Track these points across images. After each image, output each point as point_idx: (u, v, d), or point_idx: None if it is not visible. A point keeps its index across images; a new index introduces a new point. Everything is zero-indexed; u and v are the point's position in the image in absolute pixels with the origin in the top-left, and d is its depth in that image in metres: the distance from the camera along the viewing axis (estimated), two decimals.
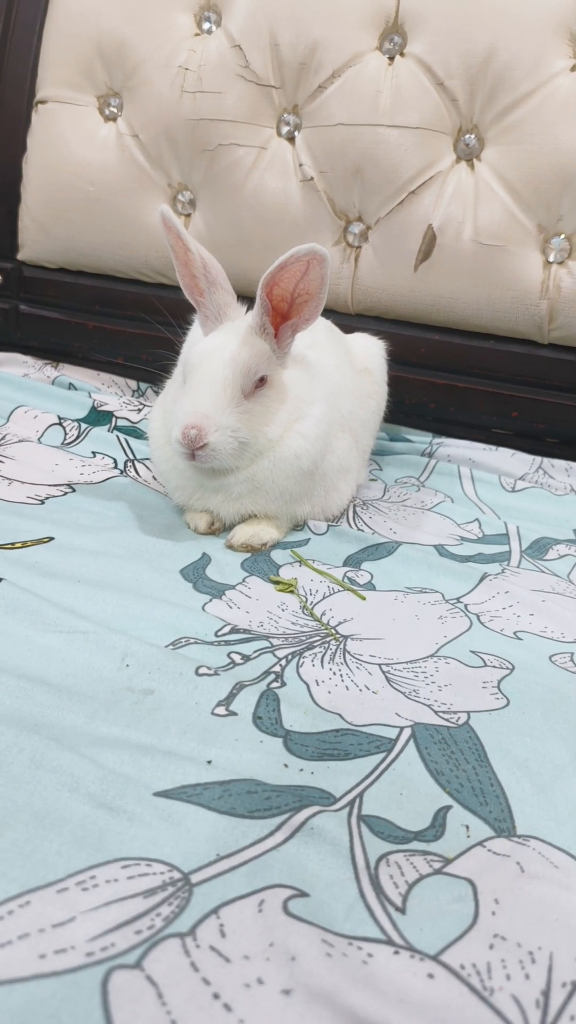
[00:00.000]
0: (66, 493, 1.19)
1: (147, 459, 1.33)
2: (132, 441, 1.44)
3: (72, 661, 0.77)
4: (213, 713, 0.72)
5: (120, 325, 1.80)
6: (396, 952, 0.51)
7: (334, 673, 0.83)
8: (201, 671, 0.78)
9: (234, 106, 1.60)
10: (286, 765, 0.67)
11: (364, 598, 1.00)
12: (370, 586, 1.04)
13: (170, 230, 1.07)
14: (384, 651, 0.88)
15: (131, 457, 1.38)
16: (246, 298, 1.12)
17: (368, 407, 1.36)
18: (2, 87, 1.78)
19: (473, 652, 0.90)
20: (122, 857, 0.55)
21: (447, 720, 0.76)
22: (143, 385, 1.81)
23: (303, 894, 0.54)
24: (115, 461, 1.35)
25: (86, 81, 1.71)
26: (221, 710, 0.73)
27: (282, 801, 0.62)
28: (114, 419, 1.53)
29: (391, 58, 1.54)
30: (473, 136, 1.52)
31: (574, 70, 1.46)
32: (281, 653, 0.85)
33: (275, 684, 0.79)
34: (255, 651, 0.84)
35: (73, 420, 1.49)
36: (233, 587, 0.99)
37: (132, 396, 1.78)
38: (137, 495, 1.23)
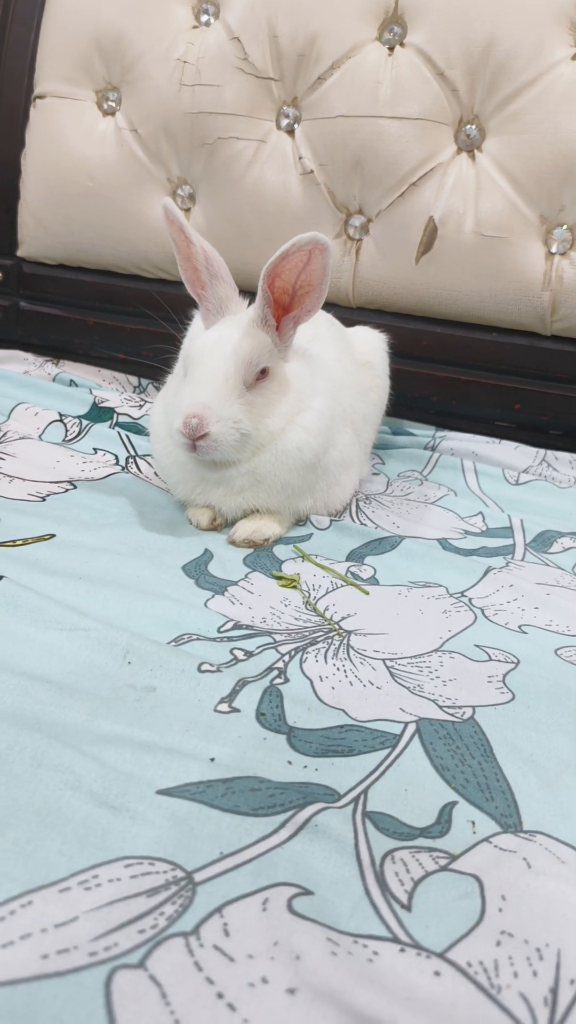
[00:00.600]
0: (67, 490, 1.19)
1: (148, 455, 1.32)
2: (133, 437, 1.44)
3: (73, 658, 0.76)
4: (216, 710, 0.72)
5: (121, 321, 1.80)
6: (402, 950, 0.51)
7: (338, 668, 0.82)
8: (204, 668, 0.78)
9: (233, 99, 1.60)
10: (290, 762, 0.67)
11: (367, 593, 0.99)
12: (373, 581, 1.03)
13: (172, 223, 1.07)
14: (388, 646, 0.88)
15: (132, 453, 1.38)
16: (246, 292, 1.11)
17: (370, 401, 1.35)
18: (0, 82, 1.77)
19: (478, 646, 0.89)
20: (125, 856, 0.54)
21: (452, 715, 0.76)
22: (144, 381, 1.80)
23: (308, 892, 0.54)
24: (116, 457, 1.35)
25: (84, 76, 1.70)
26: (224, 707, 0.72)
27: (286, 798, 0.62)
28: (115, 415, 1.53)
29: (391, 48, 1.53)
30: (474, 126, 1.51)
31: (575, 59, 1.44)
32: (284, 649, 0.84)
33: (278, 680, 0.78)
34: (258, 647, 0.84)
35: (74, 417, 1.49)
36: (235, 583, 0.98)
37: (133, 392, 1.78)
38: (138, 491, 1.23)
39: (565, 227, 1.50)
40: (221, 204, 1.66)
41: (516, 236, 1.51)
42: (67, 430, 1.43)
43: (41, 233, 1.79)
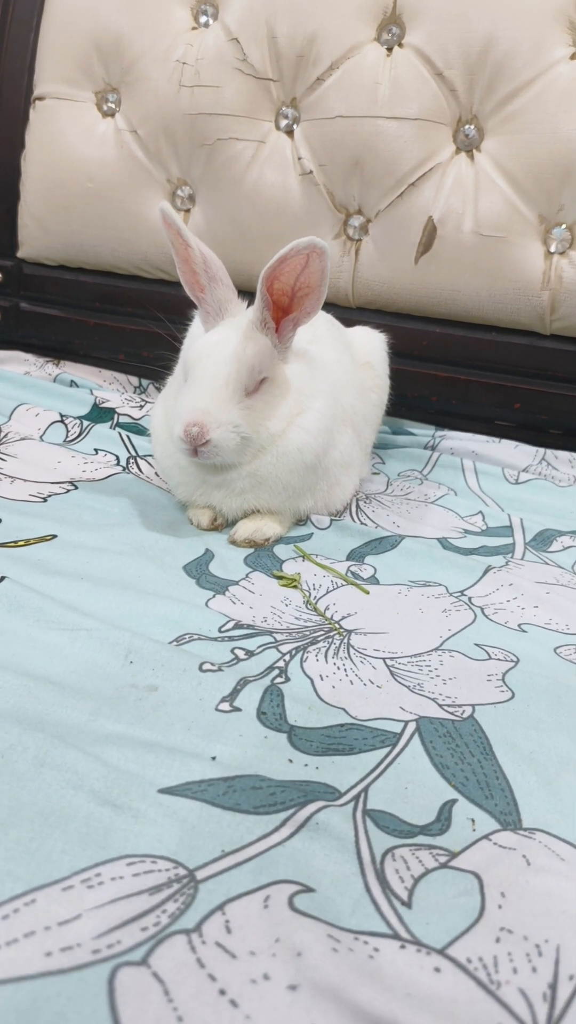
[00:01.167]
0: (68, 490, 1.19)
1: (149, 455, 1.32)
2: (134, 438, 1.44)
3: (75, 658, 0.77)
4: (217, 709, 0.72)
5: (121, 322, 1.80)
6: (403, 946, 0.51)
7: (338, 668, 0.82)
8: (205, 667, 0.78)
9: (232, 100, 1.60)
10: (291, 760, 0.67)
11: (368, 592, 1.00)
12: (373, 580, 1.04)
13: (170, 226, 1.07)
14: (388, 645, 0.88)
15: (133, 454, 1.38)
16: (246, 292, 1.12)
17: (370, 400, 1.36)
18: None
19: (477, 645, 0.90)
20: (127, 854, 0.55)
21: (452, 713, 0.76)
22: (145, 381, 1.81)
23: (309, 889, 0.54)
24: (117, 458, 1.35)
25: (84, 77, 1.70)
26: (225, 706, 0.73)
27: (287, 796, 0.62)
28: (116, 416, 1.53)
29: (389, 49, 1.53)
30: (473, 126, 1.51)
31: (574, 58, 1.45)
32: (285, 648, 0.85)
33: (279, 679, 0.78)
34: (259, 646, 0.84)
35: (75, 417, 1.49)
36: (236, 583, 0.99)
37: (134, 393, 1.78)
38: (140, 492, 1.23)
39: (564, 226, 1.50)
40: (221, 205, 1.66)
41: (515, 236, 1.51)
42: (68, 431, 1.43)
43: (41, 234, 1.79)
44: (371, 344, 1.43)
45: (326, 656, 0.84)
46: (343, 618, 0.93)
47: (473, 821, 0.63)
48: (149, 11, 1.64)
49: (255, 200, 1.62)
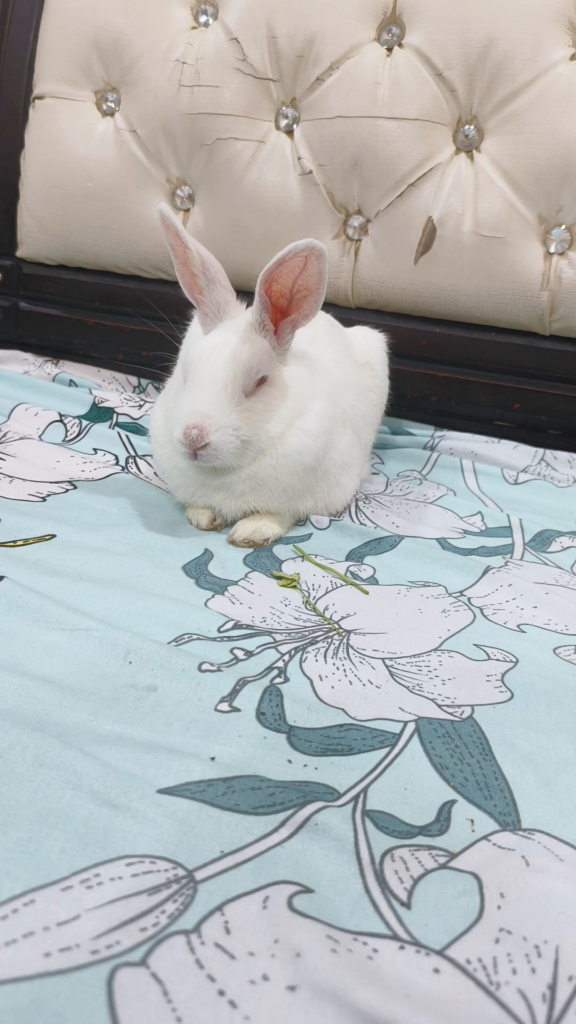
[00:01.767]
0: (67, 490, 1.19)
1: (148, 455, 1.32)
2: (133, 437, 1.44)
3: (74, 658, 0.77)
4: (216, 709, 0.72)
5: (120, 321, 1.80)
6: (402, 947, 0.51)
7: (337, 668, 0.82)
8: (204, 667, 0.78)
9: (232, 100, 1.60)
10: (290, 761, 0.67)
11: (367, 592, 1.00)
12: (373, 580, 1.04)
13: (169, 229, 1.07)
14: (387, 645, 0.88)
15: (132, 454, 1.38)
16: (246, 293, 1.12)
17: (369, 401, 1.35)
18: None
19: (477, 645, 0.90)
20: (126, 855, 0.55)
21: (451, 714, 0.76)
22: (144, 381, 1.80)
23: (308, 890, 0.54)
24: (116, 458, 1.35)
25: (83, 76, 1.70)
26: (224, 706, 0.73)
27: (286, 797, 0.62)
28: (115, 416, 1.53)
29: (389, 49, 1.53)
30: (472, 127, 1.52)
31: (573, 59, 1.45)
32: (284, 648, 0.85)
33: (278, 680, 0.78)
34: (258, 647, 0.84)
35: (74, 417, 1.49)
36: (235, 583, 0.99)
37: (133, 392, 1.78)
38: (139, 492, 1.23)
39: (563, 227, 1.50)
40: (220, 205, 1.66)
41: (515, 236, 1.51)
42: (67, 430, 1.43)
43: (40, 234, 1.79)
44: (370, 344, 1.43)
45: (325, 656, 0.84)
46: (342, 618, 0.93)
47: (472, 822, 0.63)
48: (149, 11, 1.64)
49: (255, 200, 1.62)
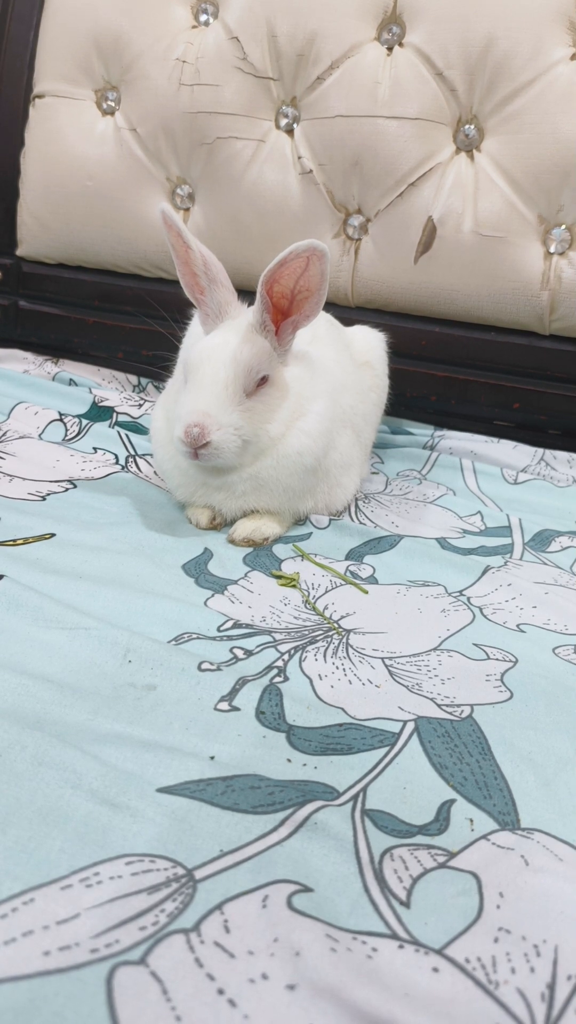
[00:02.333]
0: (67, 489, 1.19)
1: (148, 454, 1.32)
2: (133, 437, 1.44)
3: (74, 657, 0.77)
4: (216, 708, 0.72)
5: (120, 320, 1.80)
6: (401, 946, 0.51)
7: (337, 667, 0.82)
8: (203, 666, 0.78)
9: (232, 99, 1.60)
10: (289, 760, 0.67)
11: (366, 592, 1.00)
12: (372, 580, 1.04)
13: (171, 228, 1.07)
14: (387, 645, 0.88)
15: (132, 453, 1.38)
16: (246, 292, 1.12)
17: (369, 400, 1.35)
18: None
19: (476, 645, 0.90)
20: (126, 853, 0.55)
21: (450, 713, 0.76)
22: (144, 380, 1.80)
23: (307, 889, 0.54)
24: (116, 457, 1.35)
25: (83, 75, 1.70)
26: (224, 705, 0.73)
27: (285, 796, 0.62)
28: (115, 415, 1.53)
29: (390, 48, 1.53)
30: (472, 126, 1.52)
31: (573, 59, 1.45)
32: (284, 648, 0.85)
33: (278, 679, 0.78)
34: (257, 646, 0.84)
35: (74, 416, 1.49)
36: (235, 582, 0.99)
37: (133, 391, 1.78)
38: (138, 491, 1.23)
39: (563, 227, 1.50)
40: (220, 204, 1.66)
41: (515, 236, 1.51)
42: (67, 429, 1.43)
43: (40, 232, 1.79)
44: (370, 343, 1.43)
45: (325, 656, 0.84)
46: (342, 618, 0.93)
47: (471, 821, 0.63)
48: (149, 9, 1.64)
49: (254, 199, 1.62)
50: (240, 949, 0.49)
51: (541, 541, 1.23)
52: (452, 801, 0.65)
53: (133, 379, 1.81)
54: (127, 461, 1.34)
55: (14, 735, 0.64)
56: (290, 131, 1.60)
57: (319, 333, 1.23)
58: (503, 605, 1.00)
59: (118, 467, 1.31)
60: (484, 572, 1.08)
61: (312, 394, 1.12)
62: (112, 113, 1.71)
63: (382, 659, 0.85)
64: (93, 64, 1.69)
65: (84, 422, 1.47)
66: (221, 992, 0.46)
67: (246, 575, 1.01)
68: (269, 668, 0.80)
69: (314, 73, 1.55)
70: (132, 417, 1.53)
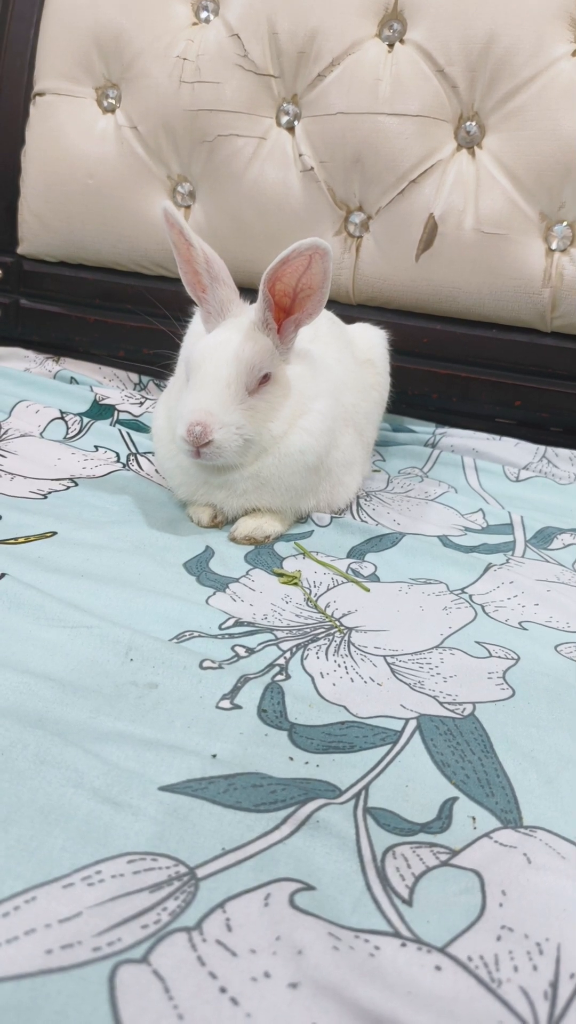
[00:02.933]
0: (68, 487, 1.19)
1: (149, 452, 1.32)
2: (134, 435, 1.44)
3: (76, 656, 0.77)
4: (218, 706, 0.72)
5: (121, 318, 1.80)
6: (403, 944, 0.51)
7: (339, 665, 0.82)
8: (205, 664, 0.78)
9: (233, 96, 1.59)
10: (291, 758, 0.67)
11: (368, 590, 1.00)
12: (374, 577, 1.04)
13: (173, 226, 1.06)
14: (389, 642, 0.88)
15: (133, 451, 1.38)
16: (246, 289, 1.11)
17: (371, 398, 1.35)
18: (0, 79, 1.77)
19: (478, 643, 0.90)
20: (127, 852, 0.55)
21: (453, 711, 0.76)
22: (145, 378, 1.80)
23: (309, 887, 0.54)
24: (117, 455, 1.35)
25: (84, 73, 1.70)
26: (226, 703, 0.73)
27: (288, 794, 0.62)
28: (116, 413, 1.53)
29: (391, 45, 1.53)
30: (474, 123, 1.51)
31: (575, 55, 1.44)
32: (285, 646, 0.85)
33: (280, 677, 0.78)
34: (259, 644, 0.84)
35: (75, 414, 1.49)
36: (237, 580, 0.99)
37: (134, 389, 1.78)
38: (140, 489, 1.23)
39: (565, 224, 1.50)
40: (221, 201, 1.66)
41: (516, 233, 1.51)
42: (68, 427, 1.43)
43: (41, 230, 1.79)
44: (372, 341, 1.43)
45: (327, 654, 0.84)
46: (344, 615, 0.93)
47: (474, 819, 0.63)
48: (149, 7, 1.64)
49: (256, 197, 1.62)
50: (242, 947, 0.49)
51: (543, 538, 1.23)
52: (454, 799, 0.65)
53: (134, 377, 1.81)
54: (128, 459, 1.34)
55: (16, 734, 0.64)
56: (291, 128, 1.60)
57: (321, 331, 1.23)
58: (505, 603, 1.00)
59: (119, 465, 1.31)
60: (486, 570, 1.08)
61: (314, 392, 1.12)
62: (113, 111, 1.71)
63: (384, 657, 0.85)
64: (93, 62, 1.69)
65: (85, 420, 1.47)
66: (223, 990, 0.46)
67: (248, 573, 1.01)
68: (271, 666, 0.80)
69: (315, 70, 1.55)
70: (133, 415, 1.53)
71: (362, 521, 1.22)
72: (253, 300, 1.08)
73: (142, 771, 0.62)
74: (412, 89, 1.51)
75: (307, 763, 0.67)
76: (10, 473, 1.20)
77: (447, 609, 0.97)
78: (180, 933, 0.49)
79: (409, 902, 0.54)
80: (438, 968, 0.49)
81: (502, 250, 1.52)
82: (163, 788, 0.61)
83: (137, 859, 0.54)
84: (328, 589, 0.99)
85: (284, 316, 1.08)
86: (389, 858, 0.58)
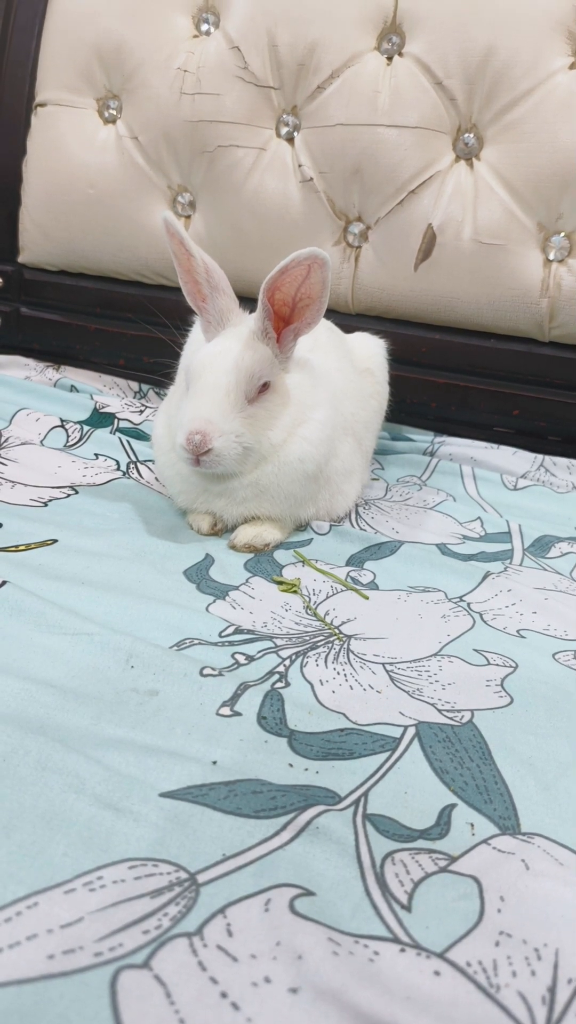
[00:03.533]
0: (69, 495, 1.20)
1: (149, 460, 1.33)
2: (134, 443, 1.44)
3: (77, 663, 0.77)
4: (218, 713, 0.73)
5: (121, 327, 1.81)
6: (402, 950, 0.51)
7: (338, 673, 0.83)
8: (205, 672, 0.78)
9: (233, 107, 1.61)
10: (291, 765, 0.67)
11: (367, 597, 1.00)
12: (373, 585, 1.04)
13: (173, 236, 1.07)
14: (388, 650, 0.89)
15: (133, 459, 1.38)
16: (246, 299, 1.12)
17: (370, 407, 1.36)
18: (1, 90, 1.78)
19: (476, 650, 0.90)
20: (129, 858, 0.55)
21: (451, 719, 0.77)
22: (144, 387, 1.81)
23: (309, 893, 0.55)
24: (118, 463, 1.36)
25: (85, 84, 1.71)
26: (226, 710, 0.73)
27: (287, 801, 0.63)
28: (116, 421, 1.54)
29: (389, 58, 1.54)
30: (472, 135, 1.52)
31: (572, 68, 1.46)
32: (285, 653, 0.85)
33: (279, 684, 0.79)
34: (259, 651, 0.85)
35: (75, 422, 1.50)
36: (236, 588, 0.99)
37: (134, 398, 1.79)
38: (140, 497, 1.23)
39: (563, 235, 1.51)
40: (221, 211, 1.67)
41: (514, 243, 1.52)
42: (68, 435, 1.44)
43: (42, 239, 1.80)
44: (371, 350, 1.44)
45: (326, 661, 0.85)
46: (343, 623, 0.94)
47: (472, 825, 0.63)
48: (150, 19, 1.65)
49: (255, 207, 1.63)
50: (243, 953, 0.49)
51: (541, 547, 1.23)
52: (453, 806, 0.65)
53: (134, 385, 1.82)
54: (128, 467, 1.35)
55: (17, 740, 0.64)
56: (291, 139, 1.61)
57: (320, 340, 1.24)
58: (503, 611, 1.01)
59: (119, 473, 1.32)
60: (484, 578, 1.08)
61: (313, 401, 1.12)
62: (114, 121, 1.72)
63: (383, 664, 0.86)
64: (95, 73, 1.70)
65: (85, 428, 1.48)
66: (224, 995, 0.47)
67: (247, 581, 1.02)
68: (270, 673, 0.81)
69: (315, 82, 1.56)
70: (133, 423, 1.54)
71: (361, 529, 1.23)
72: (253, 310, 1.09)
73: (143, 777, 0.63)
74: (411, 101, 1.52)
75: (307, 770, 0.67)
76: (11, 481, 1.21)
77: (445, 617, 0.97)
78: (181, 938, 0.50)
79: (408, 908, 0.55)
80: (437, 973, 0.50)
81: (500, 260, 1.53)
82: (164, 794, 0.61)
83: (138, 865, 0.55)
84: (327, 597, 1.00)
85: (283, 325, 1.09)
86: (388, 864, 0.58)
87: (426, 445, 1.64)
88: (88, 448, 1.40)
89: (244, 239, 1.66)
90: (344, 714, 0.76)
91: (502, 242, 1.52)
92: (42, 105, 1.75)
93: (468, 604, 1.01)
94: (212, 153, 1.63)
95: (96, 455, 1.38)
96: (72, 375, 1.81)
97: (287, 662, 0.83)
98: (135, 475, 1.32)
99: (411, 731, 0.74)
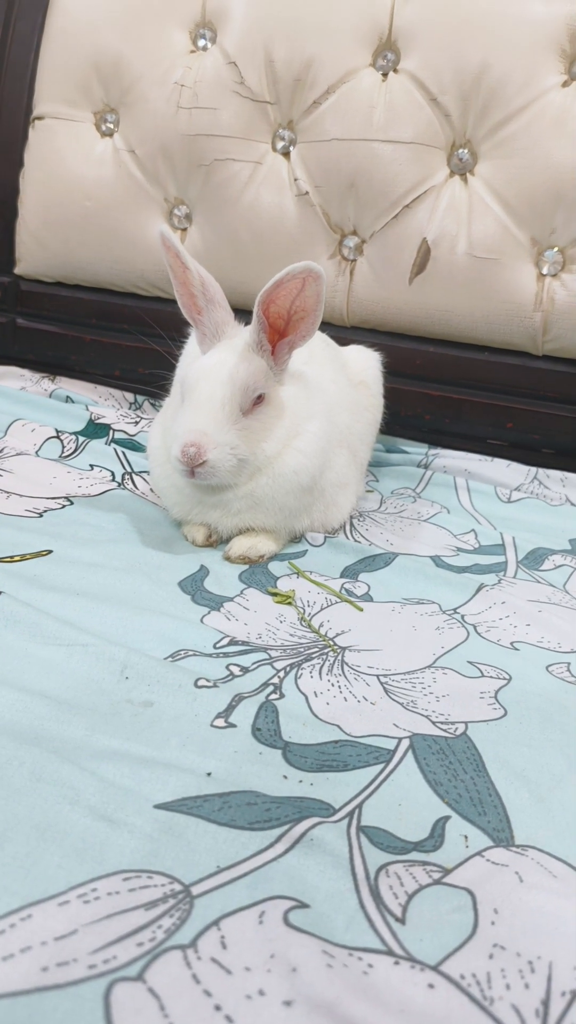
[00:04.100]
0: (64, 506, 1.20)
1: (145, 471, 1.33)
2: (130, 454, 1.45)
3: (71, 673, 0.77)
4: (212, 725, 0.73)
5: (117, 338, 1.81)
6: (396, 962, 0.51)
7: (332, 684, 0.83)
8: (200, 683, 0.78)
9: (230, 122, 1.62)
10: (285, 776, 0.67)
11: (361, 609, 1.00)
12: (367, 597, 1.04)
13: (169, 249, 1.08)
14: (382, 662, 0.89)
15: (129, 470, 1.39)
16: (242, 311, 1.13)
17: (364, 420, 1.36)
18: None
19: (470, 663, 0.90)
20: (123, 869, 0.55)
21: (445, 731, 0.77)
22: (140, 398, 1.82)
23: (303, 905, 0.55)
24: (113, 474, 1.36)
25: (83, 97, 1.72)
26: (220, 722, 0.73)
27: (282, 812, 0.63)
28: (111, 432, 1.54)
29: (385, 74, 1.56)
30: (466, 151, 1.54)
31: (566, 85, 1.47)
32: (279, 665, 0.85)
33: (274, 696, 0.79)
34: (254, 663, 0.85)
35: (71, 433, 1.50)
36: (231, 599, 0.99)
37: (129, 409, 1.79)
38: (135, 508, 1.24)
39: (556, 249, 1.52)
40: (217, 225, 1.68)
41: (508, 258, 1.53)
42: (64, 446, 1.44)
43: (39, 251, 1.81)
44: (366, 363, 1.44)
45: (320, 673, 0.85)
46: (337, 635, 0.94)
47: (466, 838, 0.64)
48: (148, 34, 1.67)
49: (251, 220, 1.64)
50: (237, 965, 0.49)
51: (534, 559, 1.24)
52: (447, 818, 0.65)
53: (130, 397, 1.82)
54: (123, 478, 1.35)
55: (12, 751, 0.64)
56: (287, 154, 1.63)
57: (315, 353, 1.24)
58: (497, 623, 1.01)
59: (114, 484, 1.32)
60: (478, 590, 1.09)
61: (308, 413, 1.13)
62: (111, 135, 1.73)
63: (377, 676, 0.86)
64: (92, 87, 1.71)
65: (81, 439, 1.48)
66: (218, 1008, 0.46)
67: (242, 592, 1.02)
68: (265, 685, 0.81)
69: (310, 97, 1.58)
70: (128, 434, 1.54)
71: (355, 541, 1.23)
72: (248, 322, 1.09)
73: (137, 788, 0.63)
74: (406, 117, 1.53)
75: (301, 781, 0.67)
76: (6, 492, 1.21)
77: (440, 629, 0.98)
78: (175, 951, 0.50)
79: (402, 920, 0.55)
80: (431, 986, 0.50)
81: (494, 274, 1.54)
82: (158, 806, 0.61)
83: (132, 876, 0.55)
84: (322, 608, 1.00)
85: (278, 338, 1.09)
86: (382, 876, 0.58)
87: (420, 457, 1.65)
88: (83, 459, 1.41)
89: (240, 252, 1.67)
90: (338, 726, 0.76)
91: (496, 256, 1.53)
92: (40, 118, 1.76)
93: (462, 616, 1.02)
94: (208, 167, 1.64)
95: (91, 466, 1.38)
96: (68, 386, 1.81)
97: (281, 674, 0.83)
98: (130, 486, 1.32)
99: (405, 743, 0.74)
